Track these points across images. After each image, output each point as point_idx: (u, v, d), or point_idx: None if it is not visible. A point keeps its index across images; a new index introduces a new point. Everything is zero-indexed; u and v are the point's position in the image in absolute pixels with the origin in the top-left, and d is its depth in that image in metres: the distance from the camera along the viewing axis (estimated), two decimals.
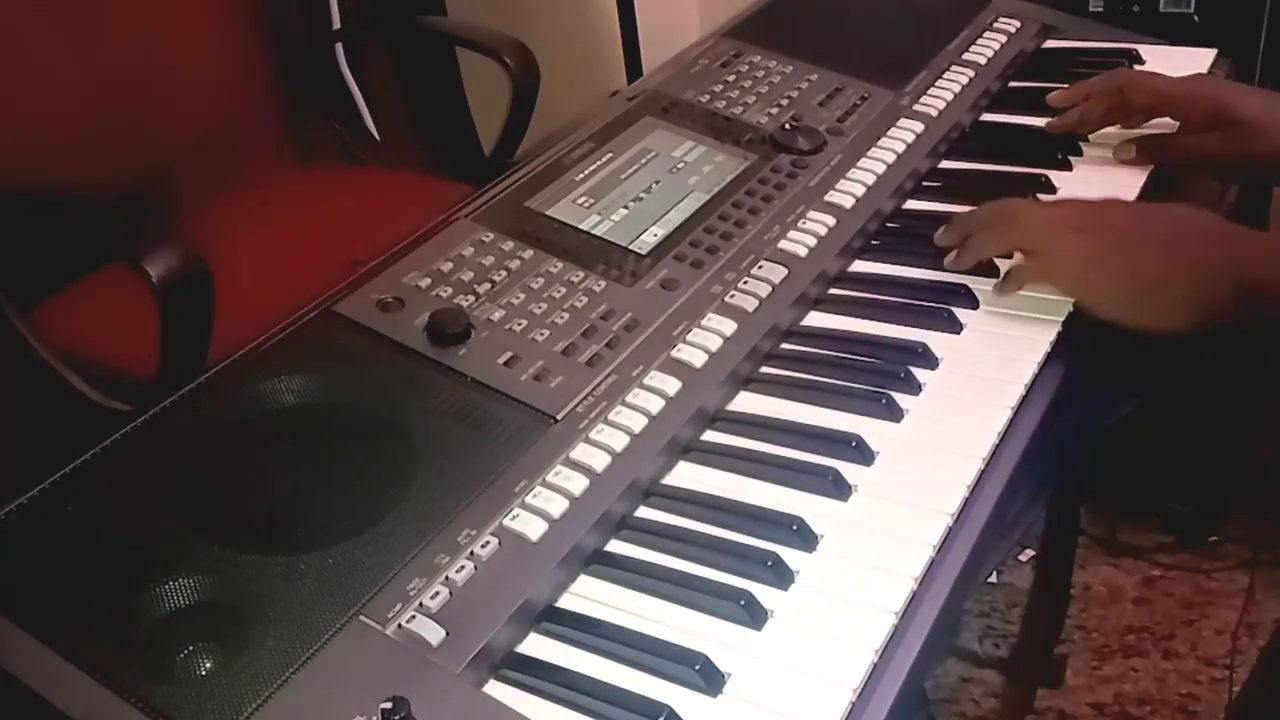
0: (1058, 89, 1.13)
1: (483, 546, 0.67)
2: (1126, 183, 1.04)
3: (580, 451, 0.73)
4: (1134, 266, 0.83)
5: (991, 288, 0.91)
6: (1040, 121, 1.13)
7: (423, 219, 0.91)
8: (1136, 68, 1.21)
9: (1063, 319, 0.87)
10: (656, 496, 0.75)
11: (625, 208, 0.94)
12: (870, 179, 1.02)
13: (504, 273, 0.86)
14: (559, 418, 0.75)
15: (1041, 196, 1.03)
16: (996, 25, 1.29)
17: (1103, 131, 1.10)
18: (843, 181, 1.01)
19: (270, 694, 0.59)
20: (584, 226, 0.92)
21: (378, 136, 1.73)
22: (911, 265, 0.96)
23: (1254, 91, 1.02)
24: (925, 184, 1.08)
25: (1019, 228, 0.90)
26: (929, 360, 0.84)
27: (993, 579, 1.79)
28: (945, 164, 1.11)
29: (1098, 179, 1.06)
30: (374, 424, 0.74)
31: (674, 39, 1.45)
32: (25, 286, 1.23)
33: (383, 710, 0.57)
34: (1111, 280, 0.84)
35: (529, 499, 0.70)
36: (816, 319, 0.91)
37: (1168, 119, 1.06)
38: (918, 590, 0.67)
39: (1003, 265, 0.92)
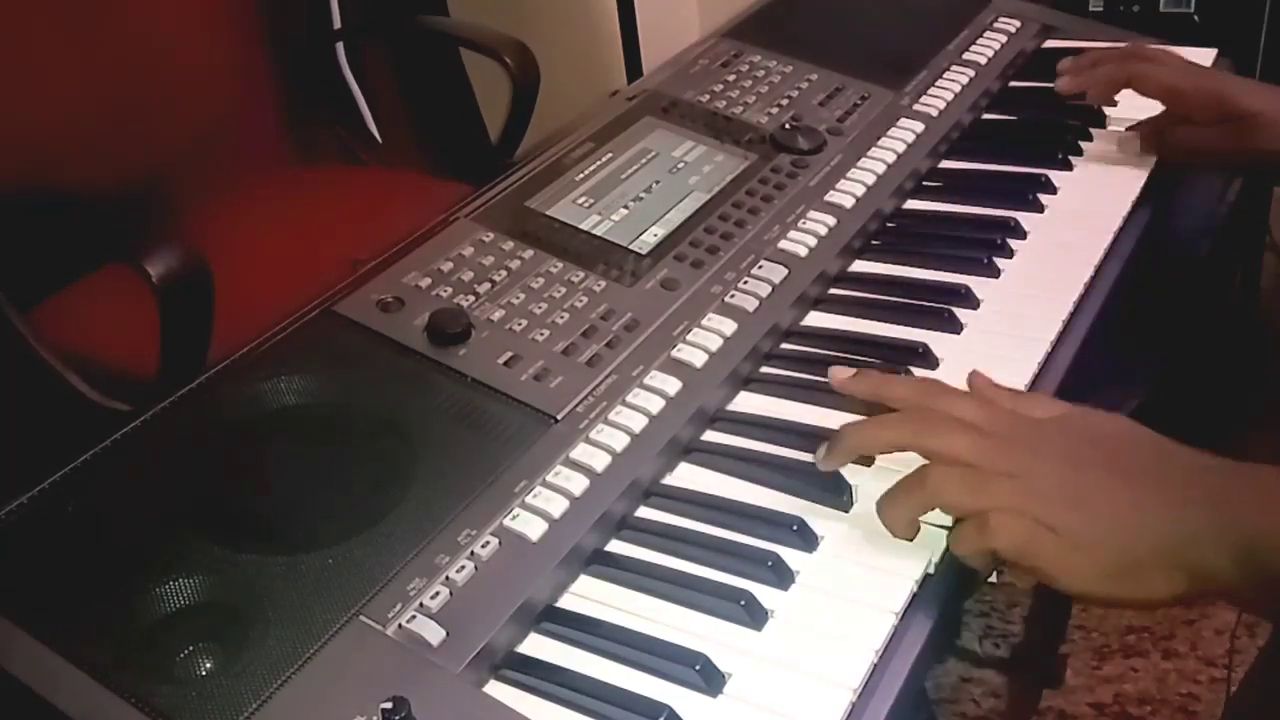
0: None
1: (483, 546, 0.67)
2: (1127, 182, 1.04)
3: (580, 451, 0.73)
4: (1115, 541, 0.64)
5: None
6: None
7: (423, 219, 0.91)
8: None
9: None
10: (657, 496, 0.75)
11: (625, 208, 0.94)
12: (870, 179, 1.02)
13: (504, 273, 0.86)
14: (559, 418, 0.75)
15: (1049, 191, 1.03)
16: (996, 25, 1.29)
17: (1105, 129, 1.11)
18: (843, 181, 1.01)
19: (270, 694, 0.58)
20: (584, 226, 0.92)
21: (379, 137, 1.73)
22: (911, 265, 0.96)
23: (1259, 86, 1.01)
24: (925, 184, 1.08)
25: (971, 491, 0.67)
26: (929, 360, 0.84)
27: (993, 579, 1.79)
28: (945, 164, 1.11)
29: (1098, 179, 1.06)
30: (374, 424, 0.74)
31: (674, 39, 1.45)
32: (25, 286, 1.23)
33: (383, 710, 0.57)
34: (1092, 564, 0.65)
35: (529, 499, 0.70)
36: (816, 319, 0.91)
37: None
38: (918, 591, 0.67)
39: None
